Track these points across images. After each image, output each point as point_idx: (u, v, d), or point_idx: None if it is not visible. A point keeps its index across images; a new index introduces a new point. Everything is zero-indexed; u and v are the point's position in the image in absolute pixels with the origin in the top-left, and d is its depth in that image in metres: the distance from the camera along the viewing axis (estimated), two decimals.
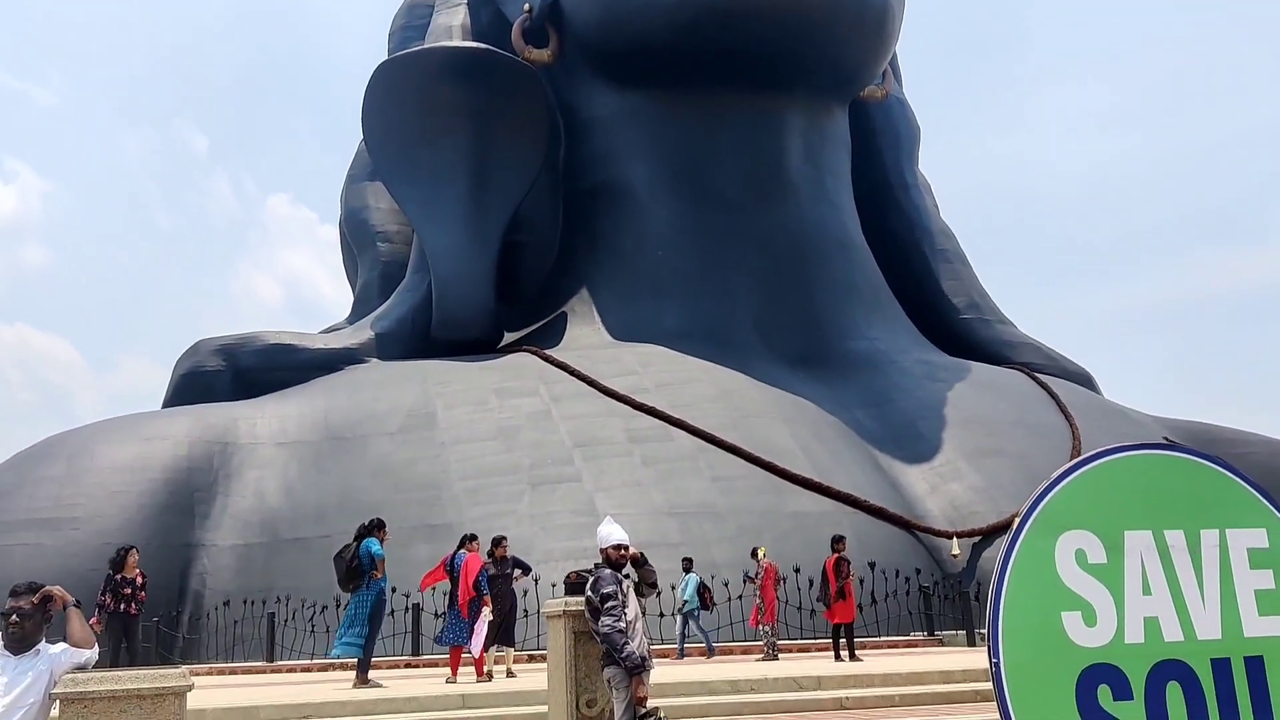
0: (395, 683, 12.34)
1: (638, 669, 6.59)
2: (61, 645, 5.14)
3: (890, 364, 27.26)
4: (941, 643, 19.34)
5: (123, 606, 14.59)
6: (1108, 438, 25.92)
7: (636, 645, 6.58)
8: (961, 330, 31.41)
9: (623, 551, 7.10)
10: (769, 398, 24.43)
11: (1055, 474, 4.89)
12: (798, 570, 19.08)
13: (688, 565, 18.06)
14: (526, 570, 14.75)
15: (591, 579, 6.95)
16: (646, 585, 7.26)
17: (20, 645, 5.08)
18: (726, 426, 22.99)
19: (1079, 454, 22.85)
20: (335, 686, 11.99)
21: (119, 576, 14.85)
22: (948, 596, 20.85)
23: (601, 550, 7.08)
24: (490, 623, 13.41)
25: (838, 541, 16.57)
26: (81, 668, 5.01)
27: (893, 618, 20.23)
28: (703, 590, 17.46)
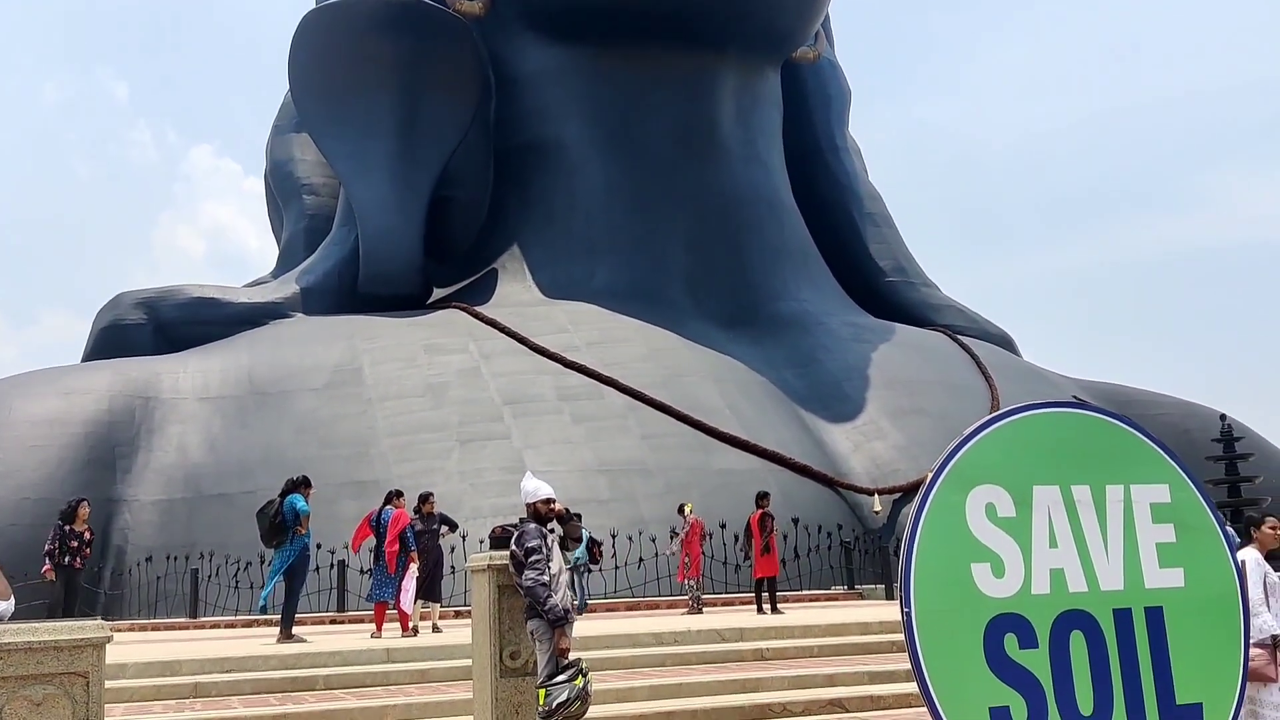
0: (320, 638, 12.33)
1: (560, 621, 6.69)
2: None
3: (817, 325, 27.58)
4: (861, 596, 19.81)
5: (69, 560, 14.36)
6: (1025, 397, 26.47)
7: (559, 598, 6.67)
8: (887, 292, 31.85)
9: (552, 505, 7.15)
10: (699, 357, 24.60)
11: (967, 431, 5.06)
12: (724, 526, 19.34)
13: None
14: (453, 527, 14.77)
15: (516, 533, 7.00)
16: (571, 540, 7.34)
17: None
18: (656, 385, 23.13)
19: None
20: (260, 642, 11.94)
21: (68, 528, 14.56)
22: (868, 551, 21.33)
23: (528, 505, 7.12)
24: (416, 578, 13.44)
25: (762, 498, 16.84)
26: (1, 619, 4.97)
27: (815, 572, 20.65)
28: (592, 546, 17.40)
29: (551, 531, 7.20)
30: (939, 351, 28.21)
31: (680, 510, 17.59)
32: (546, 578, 6.67)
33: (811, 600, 18.84)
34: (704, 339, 25.49)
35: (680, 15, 26.27)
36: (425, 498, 14.52)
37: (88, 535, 15.01)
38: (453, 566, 18.18)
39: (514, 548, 6.84)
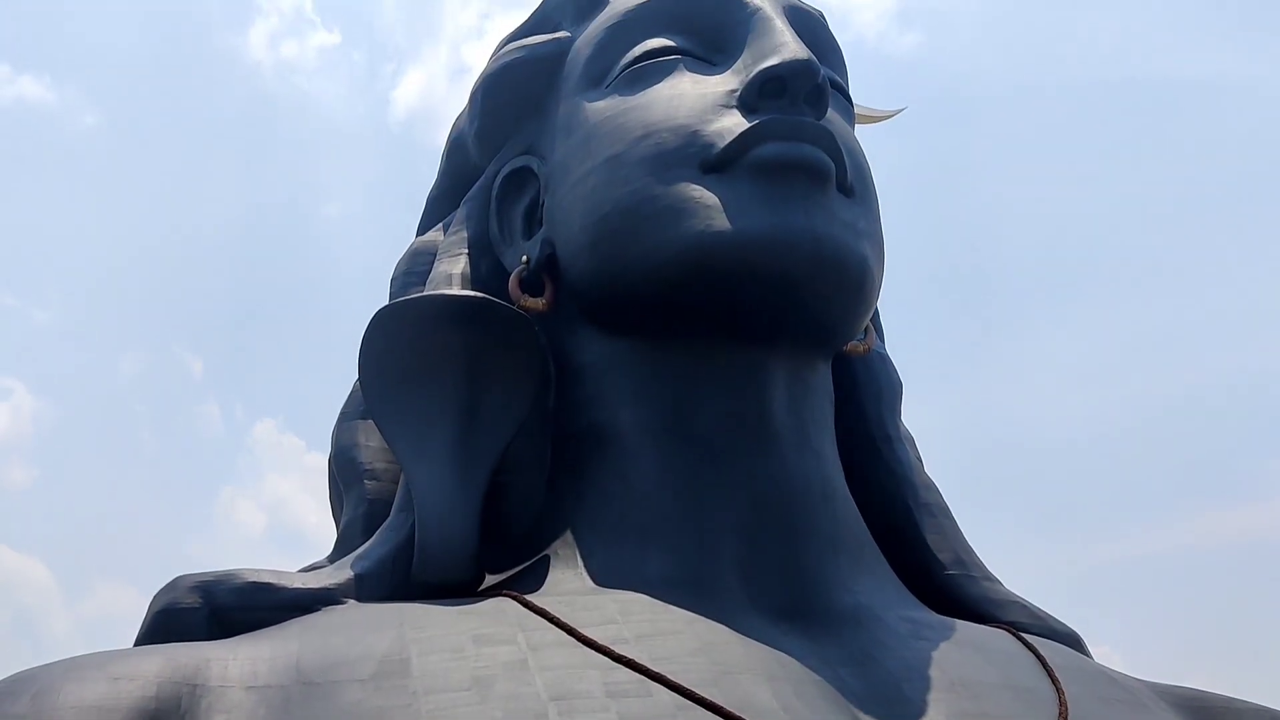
0: None
1: None
2: None
3: (875, 620, 26.63)
4: None
5: None
6: (1095, 703, 25.21)
7: None
8: (946, 586, 30.81)
9: None
10: (751, 653, 23.75)
11: None
12: None
13: None
14: None
15: None
16: None
17: None
18: (707, 682, 22.29)
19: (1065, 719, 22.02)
20: None
21: None
22: None
23: None
24: None
25: None
26: None
27: None
28: None
29: None
30: (1002, 651, 26.97)
31: None
32: None
33: None
34: (757, 633, 24.68)
35: (732, 314, 27.19)
36: None
37: None
38: None
39: None
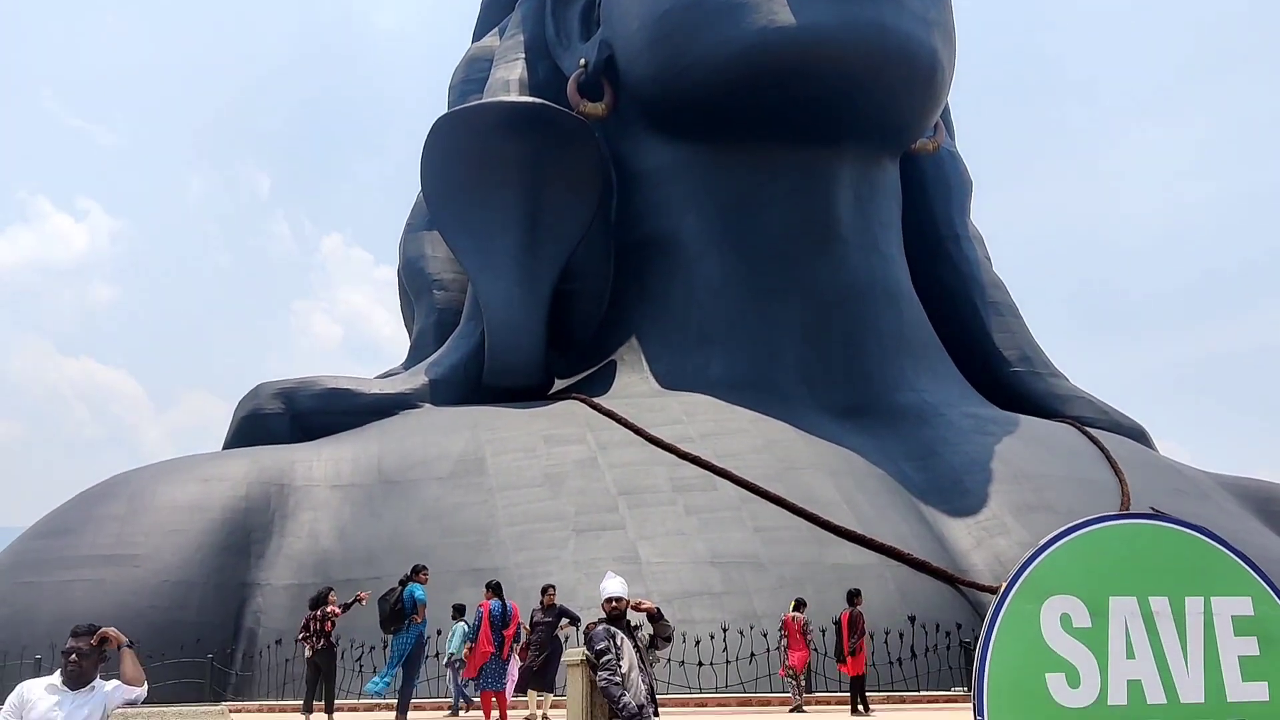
0: None
1: (632, 718, 6.89)
2: (114, 682, 5.56)
3: (938, 416, 27.25)
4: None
5: (319, 641, 14.58)
6: (1159, 493, 25.68)
7: (631, 696, 6.87)
8: (1012, 383, 31.30)
9: (613, 604, 7.42)
10: (814, 449, 24.55)
11: (1042, 541, 5.16)
12: (837, 622, 19.12)
13: (457, 613, 17.57)
14: (574, 621, 14.95)
15: (586, 636, 7.30)
16: (661, 639, 7.53)
17: (78, 682, 5.50)
18: (770, 477, 23.15)
19: (1128, 510, 22.72)
20: None
21: (318, 612, 14.81)
22: None
23: (603, 604, 7.43)
24: (530, 668, 13.77)
25: (854, 597, 16.64)
26: (132, 703, 5.42)
27: (933, 672, 20.15)
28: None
29: (638, 628, 7.43)
30: (1066, 445, 27.51)
31: (797, 606, 17.35)
32: (618, 677, 6.91)
33: (929, 702, 18.37)
34: (819, 430, 25.44)
35: (797, 112, 26.77)
36: (546, 589, 14.87)
37: (334, 615, 15.12)
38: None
39: (585, 650, 7.13)
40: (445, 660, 17.24)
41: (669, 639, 7.64)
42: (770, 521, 22.14)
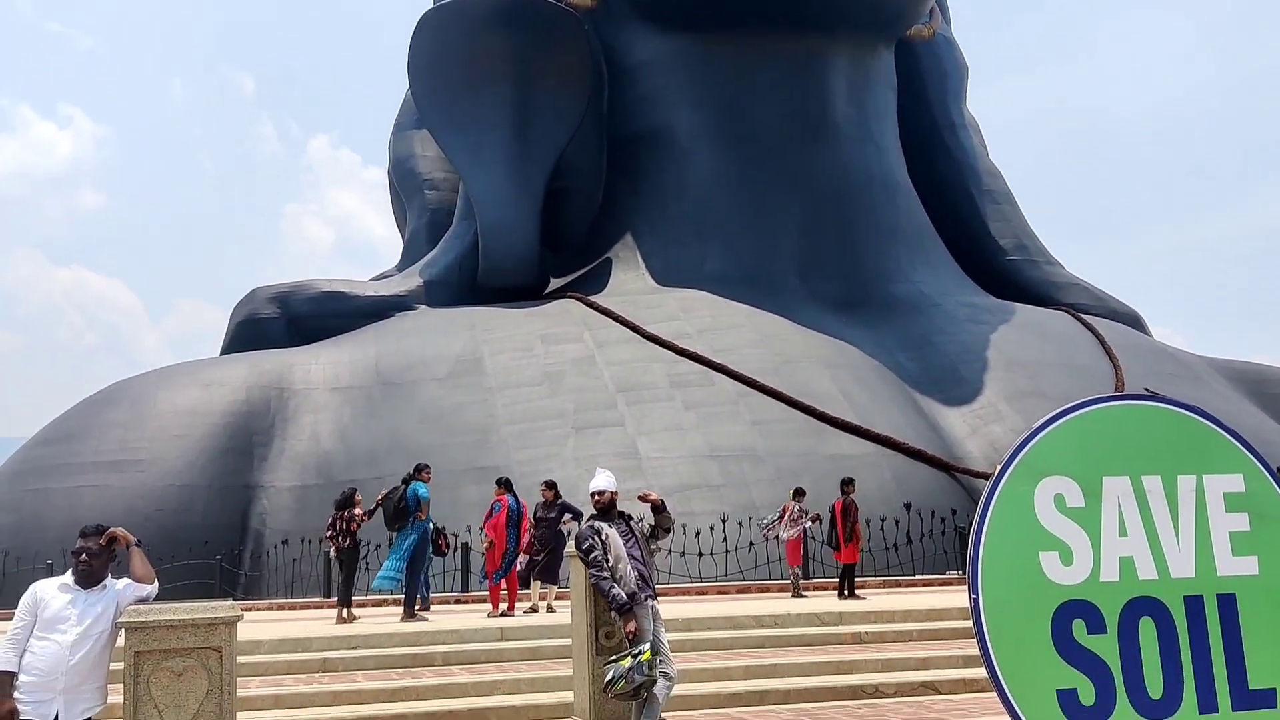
0: (443, 617, 12.95)
1: (623, 609, 7.11)
2: (125, 581, 5.65)
3: (933, 307, 27.30)
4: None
5: (345, 540, 14.60)
6: (1153, 378, 25.87)
7: (620, 587, 7.07)
8: (1008, 271, 31.26)
9: (596, 498, 7.63)
10: (810, 342, 24.64)
11: (1036, 424, 5.21)
12: (831, 511, 19.42)
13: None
14: (577, 515, 15.16)
15: (575, 537, 7.54)
16: (662, 530, 7.70)
17: (89, 581, 5.60)
18: (767, 371, 23.28)
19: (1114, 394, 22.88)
20: (384, 621, 12.62)
21: (345, 513, 14.96)
22: None
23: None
24: (535, 561, 14.05)
25: (847, 485, 16.88)
26: (144, 600, 5.52)
27: (929, 557, 20.56)
28: (436, 537, 16.36)
29: (638, 520, 7.60)
30: (1061, 332, 27.61)
31: (796, 495, 17.56)
32: (605, 573, 7.15)
33: (924, 585, 18.79)
34: (815, 324, 25.50)
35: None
36: (550, 485, 15.05)
37: (359, 517, 15.14)
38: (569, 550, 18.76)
39: (574, 548, 7.39)
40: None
41: (669, 530, 7.80)
42: (767, 414, 22.33)
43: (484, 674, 9.13)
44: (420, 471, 13.30)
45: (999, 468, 5.13)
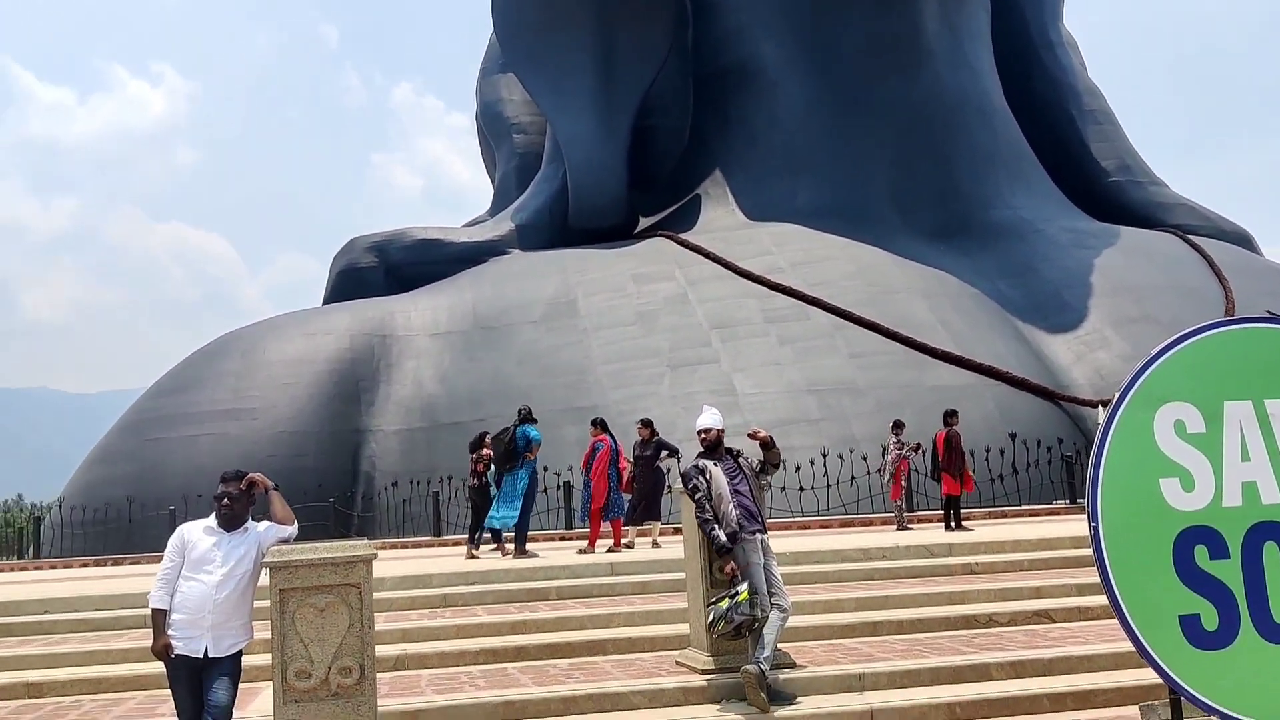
0: (551, 554, 13.28)
1: (722, 550, 7.26)
2: (266, 523, 5.95)
3: (1034, 232, 26.68)
4: (1084, 510, 19.39)
5: (475, 481, 15.12)
6: (1265, 299, 24.97)
7: (722, 528, 7.24)
8: (1111, 194, 30.36)
9: (702, 435, 7.73)
10: (907, 272, 24.33)
11: (1155, 350, 5.17)
12: (934, 443, 19.27)
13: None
14: (674, 452, 15.32)
15: (681, 473, 7.72)
16: (771, 465, 7.79)
17: (232, 523, 5.90)
18: (864, 303, 23.09)
19: (1233, 317, 22.12)
20: (496, 558, 13.00)
21: (475, 455, 15.55)
22: None
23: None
24: (633, 501, 14.32)
25: (950, 416, 16.69)
26: (285, 541, 5.81)
27: (1035, 487, 20.34)
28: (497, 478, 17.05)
29: (742, 454, 7.73)
30: (1168, 254, 26.78)
31: (895, 427, 17.47)
32: (707, 514, 7.33)
33: (1031, 515, 18.62)
34: (912, 253, 25.14)
35: None
36: (646, 423, 15.23)
37: (489, 458, 15.74)
38: (670, 487, 19.00)
39: (681, 486, 7.59)
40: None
41: (778, 465, 7.89)
42: (865, 347, 22.19)
43: (599, 608, 9.41)
44: (529, 415, 13.59)
45: (1117, 395, 5.11)
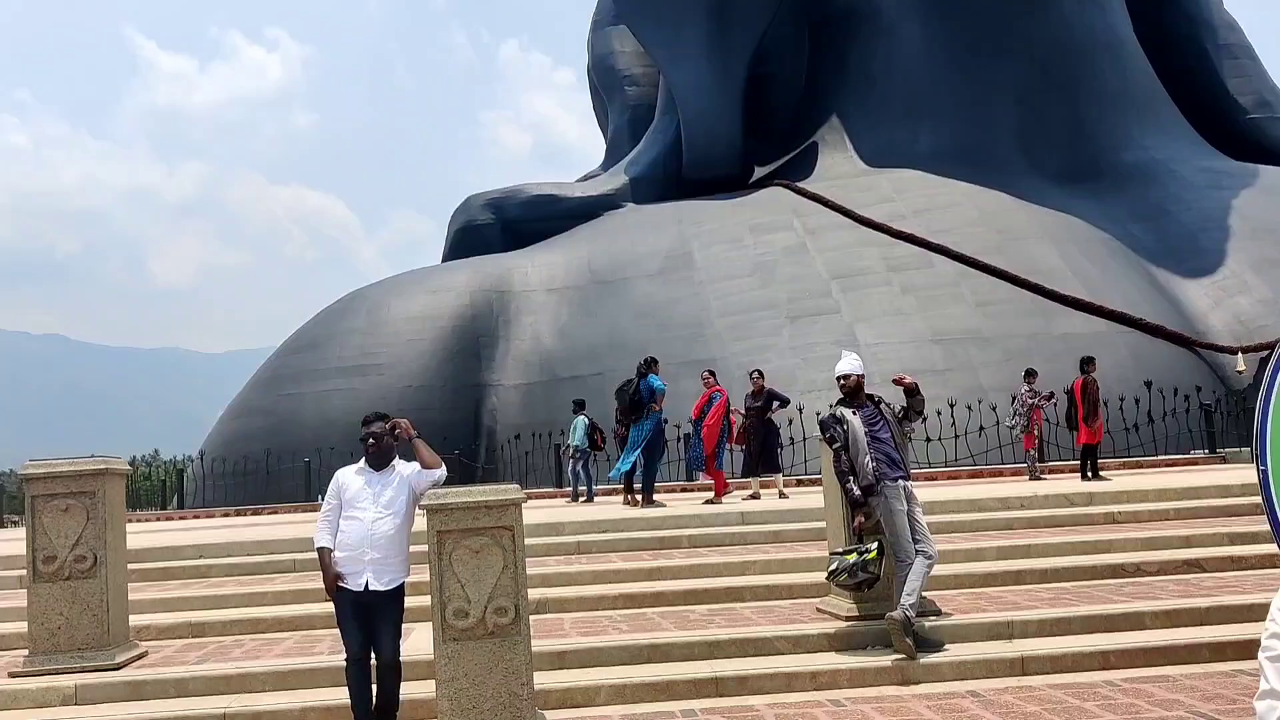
0: (677, 504, 13.32)
1: (856, 503, 7.14)
2: (414, 465, 6.10)
3: (1167, 174, 25.57)
4: (1224, 460, 18.67)
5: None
6: None
7: (855, 481, 7.12)
8: (1249, 131, 28.88)
9: (843, 381, 7.56)
10: (1034, 217, 23.57)
11: None
12: (1069, 391, 18.73)
13: (578, 407, 17.89)
14: (785, 402, 15.20)
15: (819, 421, 7.63)
16: (914, 413, 7.64)
17: (379, 462, 6.08)
18: (990, 249, 22.47)
19: None
20: (624, 507, 13.10)
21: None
22: (1231, 413, 19.95)
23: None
24: (751, 451, 14.30)
25: (1087, 364, 16.12)
26: (436, 484, 5.95)
27: (1172, 436, 19.64)
28: (593, 432, 17.28)
29: (885, 402, 7.59)
30: None
31: (1027, 376, 16.98)
32: (844, 465, 7.18)
33: (1169, 465, 17.98)
34: (1039, 198, 24.34)
35: None
36: (757, 374, 15.16)
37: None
38: (791, 438, 18.89)
39: (819, 434, 7.50)
40: (567, 452, 17.91)
41: (921, 413, 7.74)
42: (991, 295, 21.63)
43: (733, 555, 9.41)
44: (653, 365, 13.59)
45: None
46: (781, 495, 14.05)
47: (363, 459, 6.18)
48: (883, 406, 7.69)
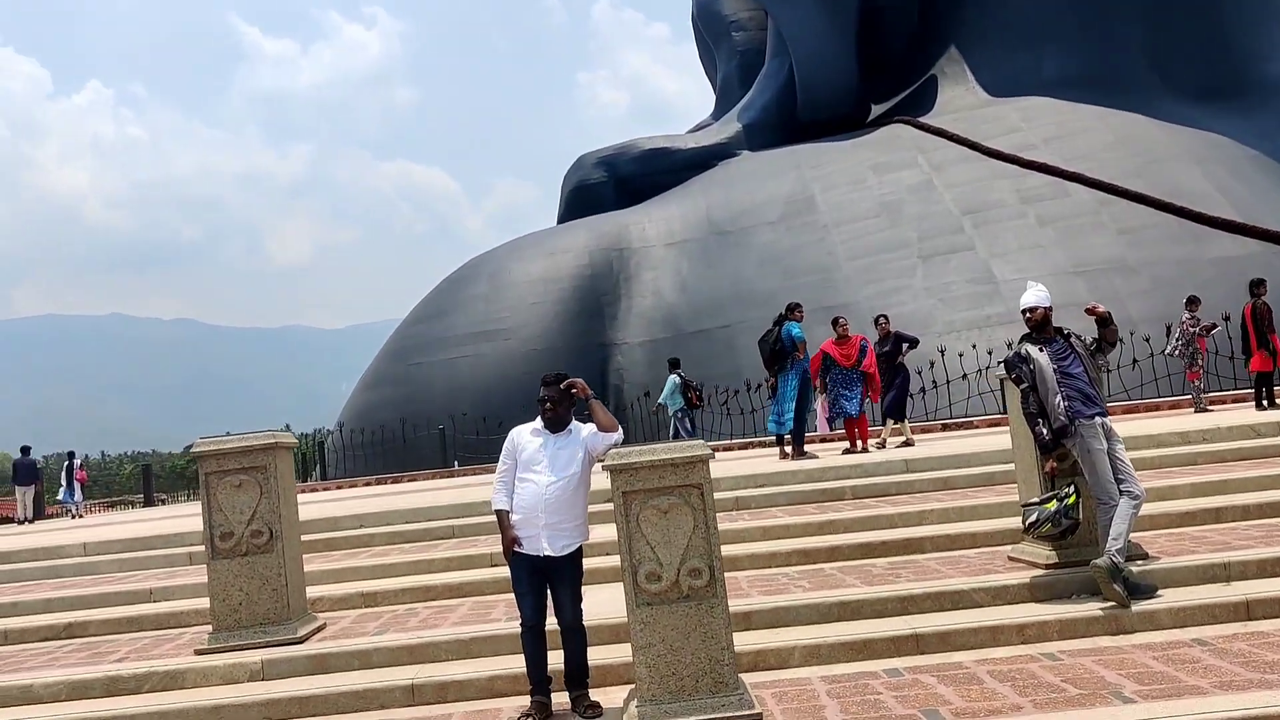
0: (828, 455, 12.93)
1: (1045, 447, 6.69)
2: (590, 427, 5.88)
3: None
4: None
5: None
6: None
7: (1044, 424, 6.68)
8: None
9: (1029, 314, 7.08)
10: (1175, 138, 22.29)
11: None
12: (1227, 319, 17.68)
13: (672, 366, 17.98)
14: (913, 344, 14.65)
15: (1004, 361, 7.20)
16: (1106, 344, 7.15)
17: (556, 425, 5.88)
18: (1129, 174, 21.33)
19: None
20: (772, 460, 12.77)
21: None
22: None
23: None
24: (884, 396, 13.83)
25: (1257, 286, 15.08)
26: (613, 446, 5.72)
27: None
28: (688, 390, 17.38)
29: (1076, 336, 7.13)
30: None
31: (1189, 304, 16.01)
32: (1032, 407, 6.74)
33: None
34: (1178, 117, 23.00)
35: None
36: (878, 320, 14.65)
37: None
38: (934, 381, 18.29)
39: (1004, 373, 7.10)
40: (653, 411, 18.30)
41: (1114, 344, 7.25)
42: (1135, 221, 20.55)
43: (905, 505, 9.02)
44: (792, 311, 13.18)
45: None
46: (908, 443, 13.54)
47: (537, 419, 6.00)
48: (1073, 340, 7.21)
